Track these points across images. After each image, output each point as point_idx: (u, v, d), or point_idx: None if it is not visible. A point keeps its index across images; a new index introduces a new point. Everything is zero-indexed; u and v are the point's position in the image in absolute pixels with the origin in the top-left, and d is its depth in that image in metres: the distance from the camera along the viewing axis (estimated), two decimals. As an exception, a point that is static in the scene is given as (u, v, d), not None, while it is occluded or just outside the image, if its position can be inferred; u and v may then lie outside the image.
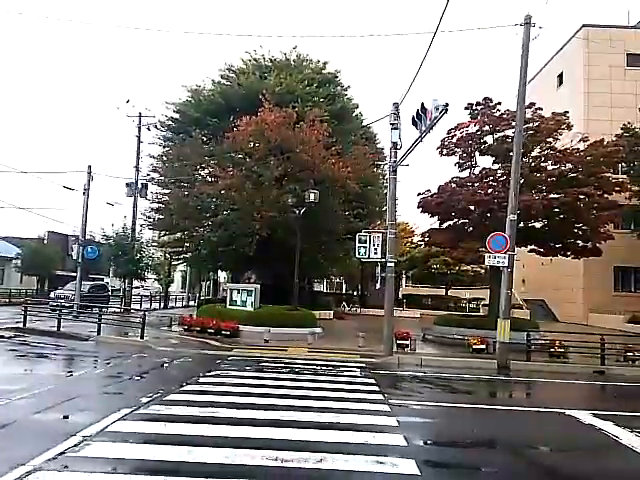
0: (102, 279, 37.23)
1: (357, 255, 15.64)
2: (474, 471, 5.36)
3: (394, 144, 14.26)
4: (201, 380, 9.30)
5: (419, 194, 20.43)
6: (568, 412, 8.01)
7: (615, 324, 25.39)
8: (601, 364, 13.48)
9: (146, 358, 12.13)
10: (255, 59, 25.65)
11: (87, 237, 24.08)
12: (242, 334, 16.46)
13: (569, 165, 18.39)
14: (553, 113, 19.10)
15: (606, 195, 18.39)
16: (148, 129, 28.18)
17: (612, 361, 13.97)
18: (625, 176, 24.44)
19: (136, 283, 31.82)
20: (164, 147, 25.95)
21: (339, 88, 26.56)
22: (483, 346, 14.71)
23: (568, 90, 33.32)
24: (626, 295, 30.21)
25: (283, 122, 19.57)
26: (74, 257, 23.51)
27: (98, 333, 15.47)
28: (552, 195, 17.63)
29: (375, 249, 15.02)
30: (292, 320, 17.13)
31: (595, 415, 7.81)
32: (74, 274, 24.67)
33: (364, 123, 26.98)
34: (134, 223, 27.92)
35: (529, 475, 5.33)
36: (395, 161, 14.36)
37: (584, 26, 32.10)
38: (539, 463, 5.77)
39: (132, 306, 27.47)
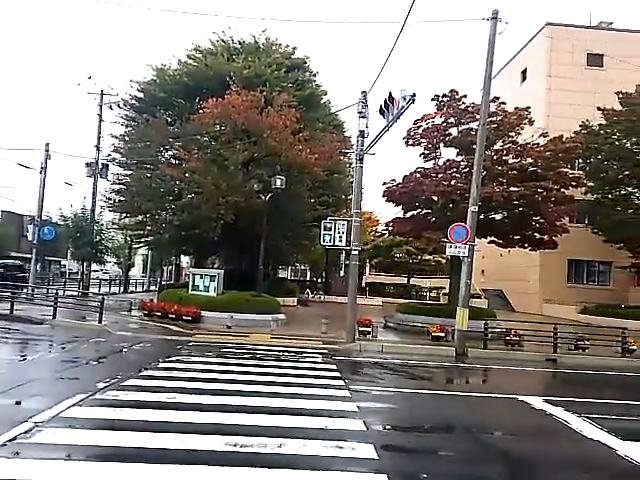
0: (18, 258, 35.22)
1: (322, 242, 15.66)
2: (431, 455, 5.50)
3: (361, 132, 14.29)
4: (160, 365, 9.16)
5: (384, 183, 20.64)
6: (521, 398, 8.29)
7: (568, 314, 26.38)
8: (553, 352, 14.02)
9: (104, 343, 11.86)
10: (223, 40, 25.07)
11: (44, 218, 23.25)
12: (204, 320, 16.29)
13: (529, 159, 18.90)
14: (516, 108, 19.53)
15: (563, 190, 19.04)
16: (110, 108, 27.14)
17: (564, 350, 14.54)
18: (581, 172, 25.36)
19: (95, 266, 30.93)
20: (127, 127, 25.14)
21: (308, 74, 26.29)
22: (442, 334, 15.03)
23: (531, 86, 34.05)
24: (579, 287, 31.46)
25: (250, 106, 19.28)
26: (29, 238, 22.68)
27: (54, 317, 14.99)
28: (512, 188, 18.09)
29: (340, 236, 15.06)
30: (255, 306, 17.05)
31: (547, 401, 8.12)
32: (29, 256, 23.86)
33: (332, 110, 26.87)
34: (94, 204, 27.01)
35: (483, 458, 5.49)
36: (362, 149, 14.39)
37: (548, 24, 32.85)
38: (493, 446, 5.96)
39: (90, 290, 26.73)
